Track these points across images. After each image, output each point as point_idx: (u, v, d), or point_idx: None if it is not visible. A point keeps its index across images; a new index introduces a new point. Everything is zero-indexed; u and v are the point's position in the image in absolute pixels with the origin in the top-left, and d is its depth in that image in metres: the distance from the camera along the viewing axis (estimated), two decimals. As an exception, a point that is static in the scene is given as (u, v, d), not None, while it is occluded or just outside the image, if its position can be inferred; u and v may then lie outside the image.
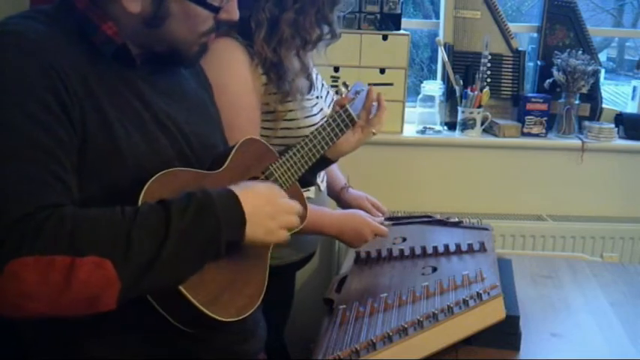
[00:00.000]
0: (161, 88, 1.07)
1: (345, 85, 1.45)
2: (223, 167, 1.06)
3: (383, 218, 1.64)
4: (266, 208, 1.00)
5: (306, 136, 1.23)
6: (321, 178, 1.69)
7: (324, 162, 1.36)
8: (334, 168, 1.81)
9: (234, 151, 1.09)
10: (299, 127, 1.50)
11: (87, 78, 0.94)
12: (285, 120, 1.50)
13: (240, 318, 0.99)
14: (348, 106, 1.37)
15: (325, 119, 1.29)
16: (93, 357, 1.02)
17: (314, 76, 1.60)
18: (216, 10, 1.04)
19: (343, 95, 1.43)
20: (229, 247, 0.95)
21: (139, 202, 0.90)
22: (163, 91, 1.07)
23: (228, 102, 1.33)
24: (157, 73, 1.08)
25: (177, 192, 0.93)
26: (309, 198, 1.61)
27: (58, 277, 0.80)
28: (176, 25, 1.01)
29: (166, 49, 1.04)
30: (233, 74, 1.40)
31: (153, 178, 0.93)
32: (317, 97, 1.59)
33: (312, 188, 1.63)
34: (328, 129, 1.27)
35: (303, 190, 1.57)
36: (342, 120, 1.35)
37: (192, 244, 0.89)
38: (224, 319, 0.95)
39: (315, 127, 1.33)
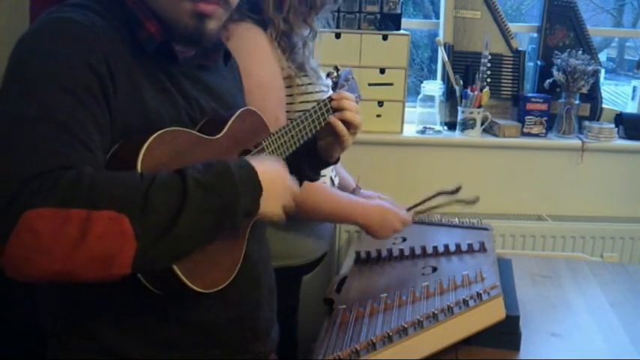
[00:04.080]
0: (201, 86, 1.09)
1: (336, 68, 1.46)
2: (221, 134, 1.05)
3: (405, 208, 1.64)
4: (278, 182, 1.01)
5: (299, 116, 1.23)
6: (334, 174, 1.70)
7: (322, 161, 1.36)
8: (342, 171, 1.82)
9: (232, 119, 1.08)
10: (315, 100, 1.52)
11: (131, 67, 0.96)
12: (303, 94, 1.52)
13: (212, 291, 0.98)
14: (339, 91, 1.37)
15: (317, 102, 1.29)
16: (105, 345, 1.03)
17: (316, 67, 1.62)
18: None
19: (334, 79, 1.45)
20: (245, 220, 0.95)
21: (140, 156, 0.89)
22: (202, 88, 1.10)
23: (258, 86, 1.36)
24: (199, 71, 1.10)
25: (176, 151, 0.94)
26: None
27: (73, 231, 0.78)
28: None
29: (160, 24, 1.01)
30: (259, 60, 1.43)
31: (154, 135, 0.92)
32: (324, 86, 1.61)
33: (328, 182, 1.64)
34: (319, 112, 1.27)
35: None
36: (331, 106, 1.33)
37: (210, 208, 0.88)
38: (197, 289, 0.95)
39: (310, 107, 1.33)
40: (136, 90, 0.96)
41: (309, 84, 1.53)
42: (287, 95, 1.51)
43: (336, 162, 1.39)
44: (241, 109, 1.12)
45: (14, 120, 0.85)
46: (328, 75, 1.50)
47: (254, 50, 1.43)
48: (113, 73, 0.93)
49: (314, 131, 1.25)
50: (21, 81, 0.88)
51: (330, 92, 1.59)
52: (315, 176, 1.37)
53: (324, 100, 1.28)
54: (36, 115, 0.85)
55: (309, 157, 1.31)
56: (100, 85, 0.90)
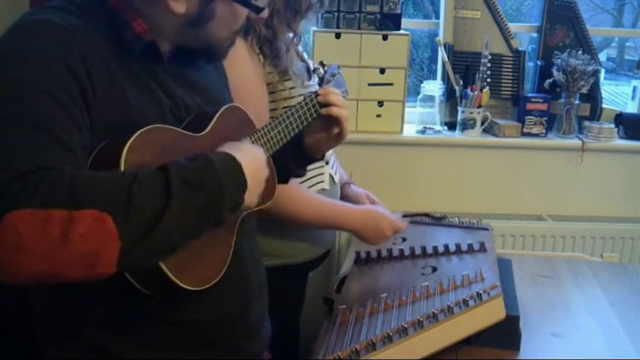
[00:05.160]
0: (185, 82, 1.09)
1: (322, 64, 1.45)
2: (206, 131, 1.04)
3: (401, 214, 1.63)
4: (261, 172, 1.02)
5: (285, 112, 1.22)
6: (335, 170, 1.69)
7: (306, 158, 1.36)
8: (337, 165, 1.82)
9: (217, 116, 1.08)
10: None
11: (112, 68, 0.96)
12: (286, 99, 1.50)
13: (201, 288, 0.98)
14: (325, 86, 1.36)
15: (303, 98, 1.29)
16: (96, 346, 1.03)
17: (311, 66, 1.61)
18: (259, 10, 1.07)
19: (320, 75, 1.43)
20: (229, 214, 0.95)
21: (124, 153, 0.89)
22: (187, 85, 1.09)
23: (237, 95, 1.33)
24: (183, 68, 1.10)
25: (161, 148, 0.94)
26: (323, 190, 1.62)
27: (55, 231, 0.78)
28: (217, 25, 1.04)
29: (201, 46, 1.07)
30: (237, 67, 1.40)
31: (137, 132, 0.92)
32: (314, 88, 1.60)
33: (327, 179, 1.63)
34: (305, 108, 1.26)
35: (311, 182, 1.58)
36: (317, 101, 1.31)
37: (194, 204, 0.88)
38: (186, 287, 0.95)
39: (295, 103, 1.32)
40: (117, 90, 0.96)
41: (292, 88, 1.50)
42: (270, 101, 1.49)
43: (321, 158, 1.38)
44: (226, 106, 1.11)
45: None
46: (314, 71, 1.49)
47: (234, 60, 1.37)
48: (91, 74, 0.92)
49: (300, 127, 1.25)
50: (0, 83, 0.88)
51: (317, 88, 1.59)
52: (300, 172, 1.37)
53: (309, 96, 1.27)
54: (15, 117, 0.84)
55: (295, 154, 1.31)
56: (77, 86, 0.90)
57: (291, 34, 1.50)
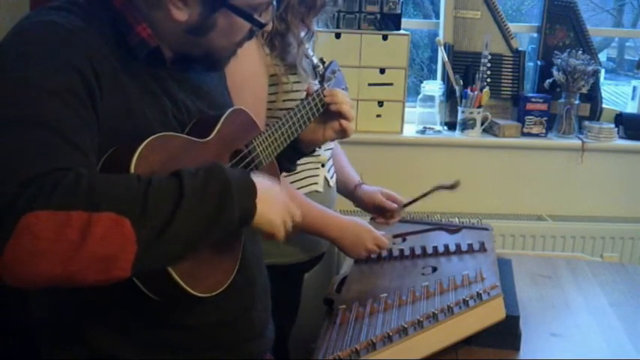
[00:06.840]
0: (188, 86, 1.09)
1: (322, 61, 1.44)
2: (211, 136, 1.05)
3: (384, 232, 1.62)
4: (275, 194, 1.01)
5: (287, 113, 1.23)
6: (331, 174, 1.68)
7: (299, 152, 1.36)
8: (347, 166, 1.80)
9: (222, 120, 1.08)
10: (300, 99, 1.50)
11: (117, 70, 0.96)
12: (288, 92, 1.50)
13: (211, 294, 0.98)
14: (326, 84, 1.36)
15: (305, 97, 1.29)
16: (96, 347, 1.03)
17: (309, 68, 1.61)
18: (262, 25, 1.07)
19: (320, 71, 1.43)
20: (242, 223, 0.94)
21: (133, 161, 0.89)
22: (190, 89, 1.09)
23: (232, 85, 1.32)
24: (186, 72, 1.10)
25: (168, 156, 0.94)
26: (317, 192, 1.61)
27: (73, 233, 0.77)
28: (218, 36, 1.04)
29: (202, 54, 1.07)
30: (241, 55, 1.40)
31: (146, 140, 0.92)
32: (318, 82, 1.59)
33: (321, 182, 1.62)
34: (307, 107, 1.27)
35: (304, 183, 1.58)
36: (320, 99, 1.32)
37: (205, 206, 0.88)
38: (197, 294, 0.95)
39: (297, 103, 1.32)
40: (122, 92, 0.95)
41: (295, 83, 1.50)
42: (271, 93, 1.49)
43: (312, 153, 1.39)
44: (230, 110, 1.11)
45: (3, 123, 0.83)
46: (314, 68, 1.49)
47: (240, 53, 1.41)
48: (99, 75, 0.91)
49: (303, 127, 1.26)
50: (6, 85, 0.87)
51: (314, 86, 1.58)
52: (292, 167, 1.37)
53: (311, 95, 1.28)
54: (25, 119, 0.84)
55: (288, 149, 1.30)
56: (85, 87, 0.89)
57: (304, 31, 1.51)
